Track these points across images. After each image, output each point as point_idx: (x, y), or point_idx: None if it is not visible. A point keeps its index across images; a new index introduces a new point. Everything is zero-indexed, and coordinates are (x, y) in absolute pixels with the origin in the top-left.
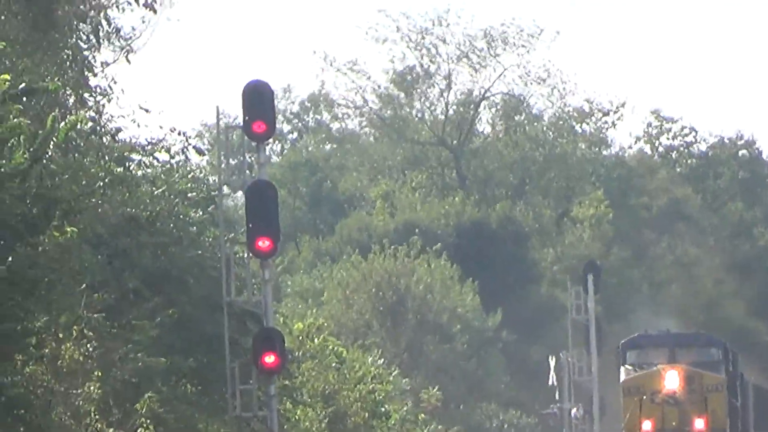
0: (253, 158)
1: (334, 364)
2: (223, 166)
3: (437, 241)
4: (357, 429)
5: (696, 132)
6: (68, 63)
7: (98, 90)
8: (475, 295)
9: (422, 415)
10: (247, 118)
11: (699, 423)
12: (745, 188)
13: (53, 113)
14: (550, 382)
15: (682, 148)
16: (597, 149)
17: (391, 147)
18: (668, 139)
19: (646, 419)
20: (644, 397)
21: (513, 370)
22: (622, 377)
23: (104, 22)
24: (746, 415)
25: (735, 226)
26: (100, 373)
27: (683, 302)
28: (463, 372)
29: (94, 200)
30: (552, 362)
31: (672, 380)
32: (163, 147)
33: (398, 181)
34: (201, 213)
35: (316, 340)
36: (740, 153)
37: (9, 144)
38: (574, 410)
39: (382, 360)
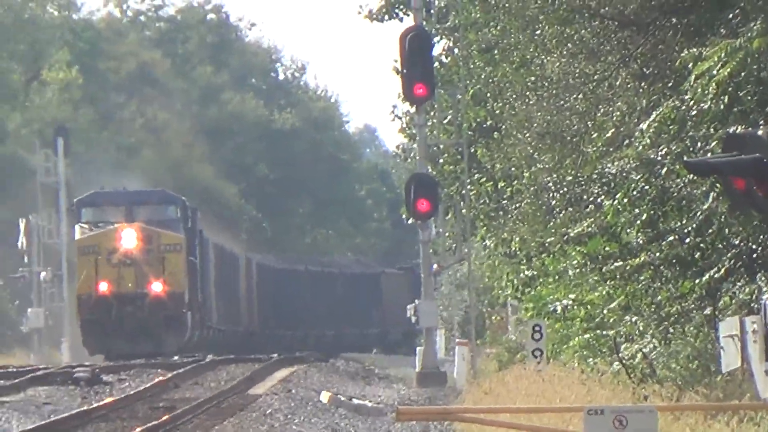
0: None
1: None
2: None
3: None
4: None
5: None
6: None
7: None
8: None
9: None
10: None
11: (156, 286)
12: (212, 52)
13: None
14: (19, 246)
15: (150, 12)
16: (66, 12)
17: None
18: (136, 2)
19: (102, 280)
20: (99, 257)
21: None
22: (77, 236)
23: None
24: (206, 273)
25: (203, 90)
26: None
27: (152, 165)
28: None
29: None
30: (22, 225)
31: (128, 239)
32: None
33: None
34: None
35: None
36: (208, 17)
37: None
38: (43, 273)
39: None
